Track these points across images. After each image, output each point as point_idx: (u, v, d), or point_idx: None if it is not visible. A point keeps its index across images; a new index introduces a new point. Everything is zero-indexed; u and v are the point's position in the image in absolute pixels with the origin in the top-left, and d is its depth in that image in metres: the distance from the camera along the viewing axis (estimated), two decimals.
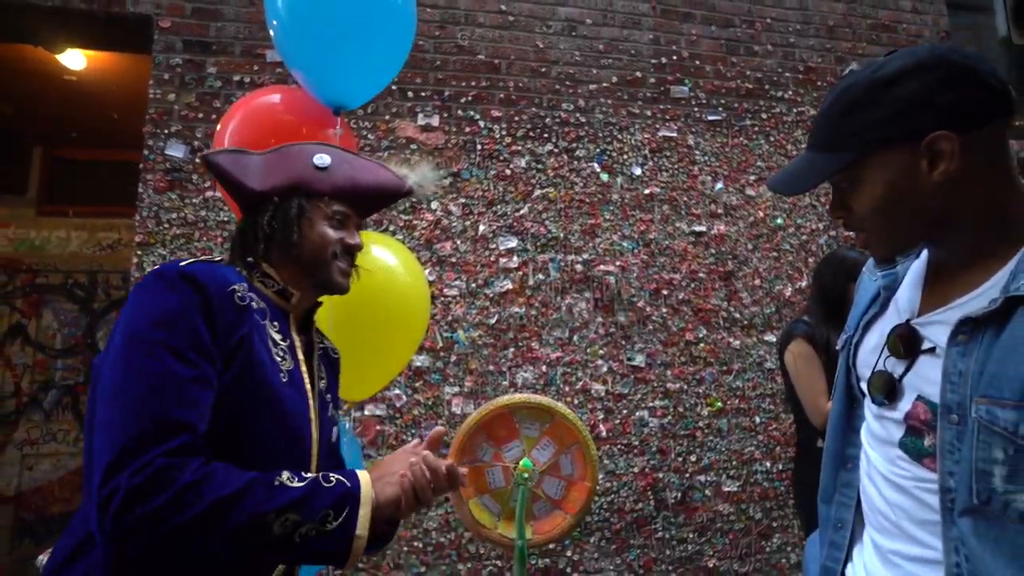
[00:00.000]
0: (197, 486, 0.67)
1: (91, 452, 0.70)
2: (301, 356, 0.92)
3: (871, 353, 0.81)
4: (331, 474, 0.77)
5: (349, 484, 0.76)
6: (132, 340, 0.72)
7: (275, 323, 0.88)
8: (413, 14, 1.30)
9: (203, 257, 0.89)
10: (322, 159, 0.95)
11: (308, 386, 0.90)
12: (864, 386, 0.81)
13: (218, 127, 1.27)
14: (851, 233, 2.71)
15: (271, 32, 1.28)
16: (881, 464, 0.78)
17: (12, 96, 3.44)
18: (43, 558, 1.99)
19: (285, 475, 0.74)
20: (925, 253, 0.80)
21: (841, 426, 0.90)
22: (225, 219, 2.37)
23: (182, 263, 0.79)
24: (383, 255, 1.35)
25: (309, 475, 0.76)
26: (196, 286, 0.76)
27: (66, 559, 0.74)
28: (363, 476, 0.79)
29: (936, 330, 0.72)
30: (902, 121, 0.68)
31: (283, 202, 0.92)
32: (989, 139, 0.68)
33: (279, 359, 0.85)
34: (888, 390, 0.76)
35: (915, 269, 0.81)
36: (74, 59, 3.00)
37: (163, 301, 0.75)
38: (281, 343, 0.87)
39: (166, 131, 2.40)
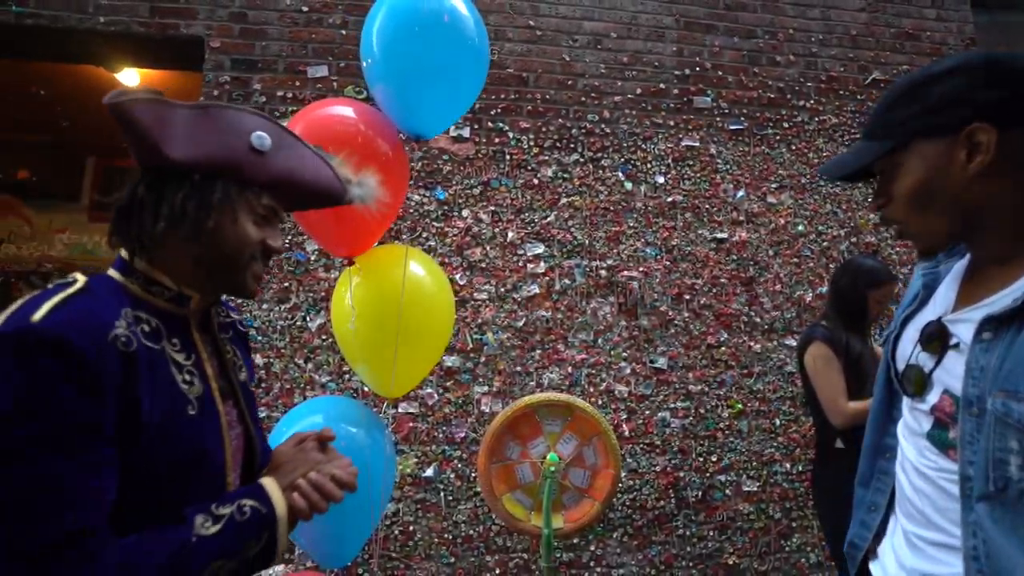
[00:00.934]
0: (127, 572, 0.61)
1: None
2: (210, 369, 0.80)
3: (908, 347, 0.85)
4: (246, 501, 0.72)
5: (265, 510, 0.72)
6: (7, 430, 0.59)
7: (174, 340, 0.75)
8: (487, 55, 1.44)
9: (63, 292, 0.66)
10: (261, 139, 0.78)
11: (220, 407, 0.79)
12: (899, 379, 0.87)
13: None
14: (872, 240, 2.73)
15: (363, 67, 1.40)
16: (912, 455, 0.82)
17: (68, 111, 3.68)
18: None
19: (199, 520, 0.68)
20: (969, 254, 0.84)
21: (881, 418, 0.95)
22: None
23: (35, 316, 0.61)
24: (416, 269, 1.46)
25: (223, 511, 0.70)
26: (59, 349, 0.60)
27: None
28: (275, 496, 0.74)
29: (963, 327, 0.75)
30: (943, 113, 0.72)
31: (205, 181, 0.75)
32: None
33: (185, 387, 0.74)
34: (919, 383, 0.80)
35: (956, 269, 0.85)
36: (129, 77, 3.20)
37: (19, 384, 0.59)
38: (185, 363, 0.75)
39: None
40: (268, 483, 0.76)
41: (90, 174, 4.33)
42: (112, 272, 0.76)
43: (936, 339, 0.79)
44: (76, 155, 4.29)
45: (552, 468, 1.66)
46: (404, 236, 2.60)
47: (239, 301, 2.44)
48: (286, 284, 2.49)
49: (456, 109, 1.47)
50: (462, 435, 2.50)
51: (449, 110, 1.45)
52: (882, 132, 0.79)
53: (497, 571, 2.44)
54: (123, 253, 0.77)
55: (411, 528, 2.42)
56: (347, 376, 2.47)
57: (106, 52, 2.74)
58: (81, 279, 0.70)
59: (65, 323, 0.62)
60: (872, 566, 0.89)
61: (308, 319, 2.48)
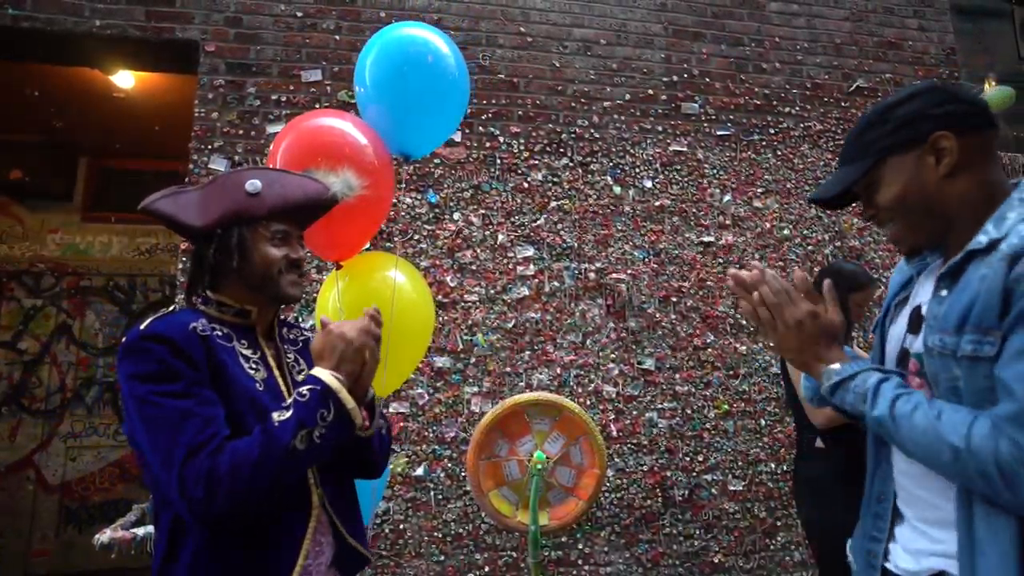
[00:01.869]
0: (236, 466, 0.84)
1: (156, 479, 0.88)
2: (273, 364, 1.03)
3: (900, 332, 0.94)
4: (302, 388, 0.91)
5: (319, 387, 0.91)
6: (142, 402, 0.87)
7: (243, 341, 1.00)
8: (467, 88, 1.63)
9: (159, 313, 0.97)
10: (253, 185, 1.01)
11: (284, 388, 1.01)
12: (892, 364, 0.94)
13: (277, 131, 1.48)
14: (856, 244, 2.79)
15: (356, 92, 1.59)
16: None
17: (62, 111, 3.70)
18: (101, 537, 2.16)
19: (274, 415, 0.89)
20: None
21: None
22: None
23: (142, 328, 0.91)
24: (397, 275, 1.56)
25: (288, 401, 0.92)
26: (159, 339, 0.89)
27: (166, 557, 0.90)
28: (321, 372, 0.93)
29: (927, 296, 0.87)
30: (906, 130, 0.85)
31: (224, 233, 1.00)
32: (981, 143, 0.84)
33: (252, 371, 0.98)
34: (903, 363, 0.90)
35: (939, 260, 0.93)
36: (124, 79, 3.23)
37: (144, 366, 0.88)
38: (252, 357, 1.00)
39: (209, 146, 2.60)
40: (314, 371, 0.95)
41: (83, 175, 4.33)
42: (194, 305, 1.05)
43: (916, 321, 0.89)
44: (69, 156, 4.30)
45: (539, 466, 1.71)
46: (396, 238, 2.64)
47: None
48: None
49: (440, 134, 1.66)
50: (452, 435, 2.54)
51: (433, 135, 1.64)
52: (857, 155, 0.90)
53: (486, 569, 2.47)
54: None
55: (401, 526, 2.45)
56: None
57: (102, 55, 2.76)
58: (173, 307, 0.99)
59: (159, 326, 0.92)
60: (888, 565, 0.92)
61: (301, 320, 2.51)
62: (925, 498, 0.85)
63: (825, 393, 0.87)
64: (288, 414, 0.88)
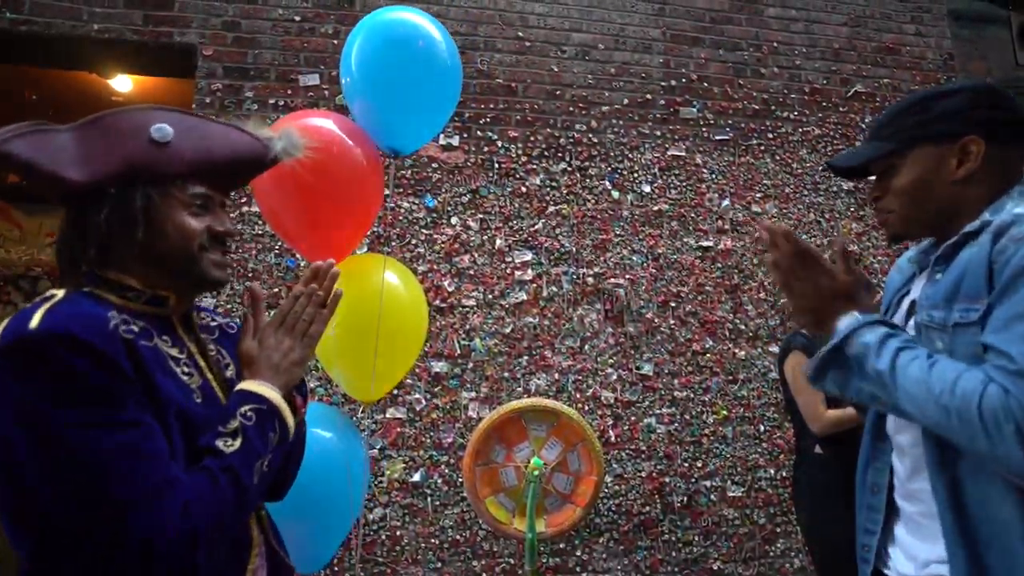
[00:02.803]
0: (198, 525, 0.66)
1: (16, 535, 0.64)
2: (203, 362, 0.82)
3: (899, 324, 0.93)
4: (244, 408, 0.75)
5: (264, 405, 0.77)
6: (56, 437, 0.61)
7: (164, 338, 0.76)
8: (459, 75, 1.51)
9: (46, 303, 0.68)
10: (162, 131, 0.76)
11: (220, 395, 0.81)
12: None
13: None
14: (855, 248, 2.79)
15: (342, 85, 1.47)
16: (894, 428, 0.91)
17: (60, 115, 3.68)
18: None
19: (220, 444, 0.72)
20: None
21: None
22: (260, 232, 2.55)
23: (31, 323, 0.64)
24: (390, 277, 1.52)
25: (232, 425, 0.73)
26: (73, 344, 0.63)
27: None
28: (256, 386, 0.78)
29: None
30: (942, 124, 0.86)
31: (122, 193, 0.74)
32: (1006, 155, 0.85)
33: (186, 378, 0.76)
34: None
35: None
36: (122, 83, 3.22)
37: (42, 385, 0.62)
38: (180, 357, 0.78)
39: None
40: (249, 385, 0.79)
41: None
42: (85, 289, 0.75)
43: (911, 311, 0.91)
44: None
45: (536, 472, 1.69)
46: (394, 243, 2.63)
47: (227, 306, 2.46)
48: (275, 290, 2.50)
49: (431, 127, 1.54)
50: (449, 440, 2.52)
51: (424, 127, 1.52)
52: (889, 134, 0.91)
53: None
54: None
55: (398, 533, 2.43)
56: (335, 381, 2.49)
57: (99, 59, 2.76)
58: (60, 292, 0.72)
59: (63, 322, 0.64)
60: (888, 571, 0.91)
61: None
62: (918, 488, 0.85)
63: (827, 353, 0.84)
64: (238, 443, 0.72)
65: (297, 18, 2.75)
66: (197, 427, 0.73)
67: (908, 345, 0.79)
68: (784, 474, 2.77)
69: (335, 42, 2.76)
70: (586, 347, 2.71)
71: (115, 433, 0.63)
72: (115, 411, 0.64)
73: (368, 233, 2.51)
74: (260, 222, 2.55)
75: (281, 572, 0.88)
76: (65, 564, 0.63)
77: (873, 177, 0.96)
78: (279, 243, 2.55)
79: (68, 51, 2.67)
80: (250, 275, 2.50)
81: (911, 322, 0.89)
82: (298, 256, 2.55)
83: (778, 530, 2.73)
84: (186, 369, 0.77)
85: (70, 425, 0.62)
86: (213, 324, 0.92)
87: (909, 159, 0.88)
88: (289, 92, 2.69)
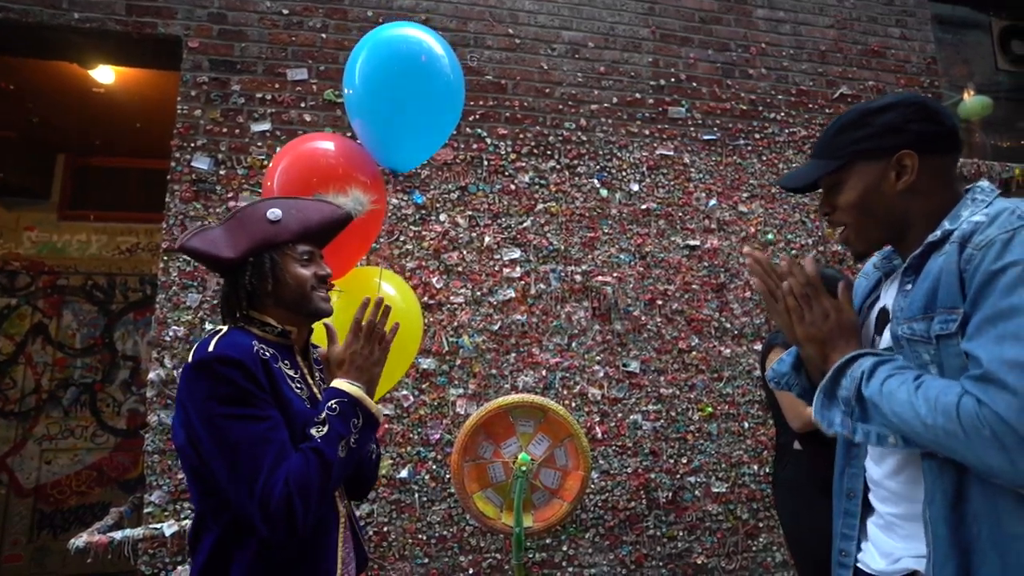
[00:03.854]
0: (305, 488, 0.92)
1: (205, 495, 0.97)
2: (311, 381, 1.12)
3: (869, 333, 0.97)
4: (330, 402, 1.02)
5: (346, 398, 1.03)
6: (218, 426, 0.92)
7: (286, 361, 1.07)
8: (462, 91, 1.54)
9: (219, 334, 1.01)
10: (274, 213, 1.10)
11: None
12: None
13: (270, 163, 1.50)
14: (839, 249, 2.84)
15: (344, 95, 1.49)
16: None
17: (39, 106, 3.62)
18: (76, 541, 2.13)
19: (313, 431, 0.98)
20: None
21: None
22: None
23: (210, 348, 0.96)
24: (387, 287, 1.61)
25: (321, 417, 1.00)
26: (231, 362, 0.94)
27: (212, 566, 0.96)
28: (341, 384, 1.05)
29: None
30: (877, 140, 0.90)
31: (257, 260, 1.07)
32: (941, 165, 0.89)
33: (299, 390, 1.05)
34: None
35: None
36: (104, 74, 3.17)
37: (221, 388, 0.94)
38: (295, 376, 1.07)
39: (192, 144, 2.56)
40: (336, 383, 1.06)
41: (61, 172, 4.24)
42: (238, 326, 1.08)
43: (883, 320, 0.93)
44: (46, 152, 4.21)
45: (523, 468, 1.70)
46: (382, 239, 2.62)
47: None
48: None
49: (431, 147, 1.57)
50: (437, 437, 2.52)
51: (424, 149, 1.56)
52: (829, 153, 0.94)
53: (471, 571, 2.46)
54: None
55: (385, 529, 2.43)
56: None
57: (80, 48, 2.71)
58: (224, 328, 1.05)
59: (227, 348, 0.96)
60: (859, 566, 0.94)
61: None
62: (896, 491, 0.87)
63: (825, 384, 0.88)
64: (325, 429, 0.98)
65: (285, 11, 2.72)
66: (306, 422, 1.00)
67: (895, 372, 0.81)
68: (767, 470, 2.81)
69: (323, 36, 2.74)
70: (574, 344, 2.72)
71: (251, 425, 0.93)
72: (254, 409, 0.94)
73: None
74: None
75: (359, 553, 1.14)
76: (221, 515, 0.95)
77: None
78: None
79: (47, 40, 2.61)
80: None
81: (886, 332, 0.91)
82: None
83: (761, 525, 2.77)
84: (298, 385, 1.06)
85: (227, 417, 0.92)
86: (316, 357, 1.23)
87: (851, 175, 0.92)
88: (277, 87, 2.66)
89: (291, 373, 1.07)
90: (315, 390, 1.11)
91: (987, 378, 0.71)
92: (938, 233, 0.85)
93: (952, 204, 0.88)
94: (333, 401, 1.01)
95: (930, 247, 0.85)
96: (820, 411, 0.88)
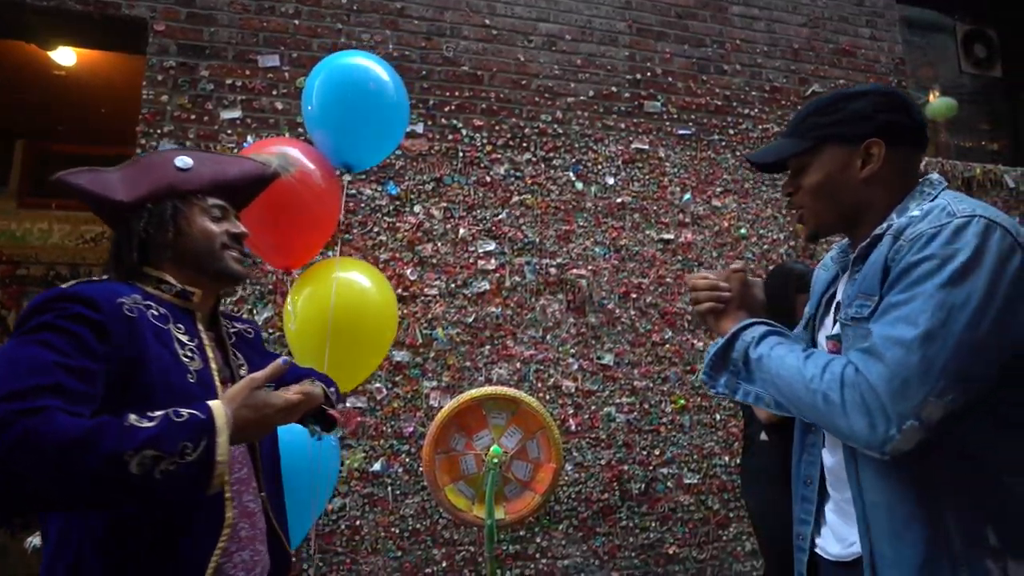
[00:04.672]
0: (38, 431, 0.66)
1: None
2: (211, 353, 0.93)
3: (829, 323, 0.99)
4: (182, 409, 0.76)
5: (203, 416, 0.75)
6: (15, 337, 0.77)
7: (180, 325, 0.90)
8: (406, 112, 1.82)
9: (87, 278, 0.87)
10: (184, 161, 0.98)
11: (218, 382, 0.91)
12: None
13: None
14: (810, 244, 2.86)
15: (304, 112, 1.75)
16: None
17: None
18: (33, 540, 2.07)
19: (132, 417, 0.72)
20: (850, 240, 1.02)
21: None
22: None
23: (65, 286, 0.82)
24: (357, 276, 1.72)
25: (158, 413, 0.74)
26: (83, 301, 0.79)
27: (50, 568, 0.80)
28: (215, 405, 0.78)
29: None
30: (848, 126, 0.91)
31: (157, 206, 0.93)
32: (905, 159, 0.91)
33: (187, 359, 0.88)
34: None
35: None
36: (64, 55, 3.05)
37: (49, 316, 0.77)
38: (189, 343, 0.90)
39: (159, 131, 2.48)
40: (211, 402, 0.80)
41: (20, 158, 4.08)
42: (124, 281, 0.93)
43: (837, 310, 0.96)
44: (4, 137, 4.05)
45: (495, 460, 1.70)
46: (355, 230, 2.58)
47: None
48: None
49: (380, 152, 1.86)
50: (410, 430, 2.51)
51: (374, 153, 1.83)
52: (799, 133, 0.96)
53: (444, 564, 2.46)
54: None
55: (358, 523, 2.41)
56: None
57: (38, 29, 2.60)
58: (105, 277, 0.92)
59: (85, 289, 0.82)
60: (818, 551, 0.97)
61: (255, 312, 2.43)
62: (844, 477, 0.89)
63: (715, 350, 0.93)
64: (148, 424, 0.72)
65: None
66: (178, 397, 0.81)
67: (784, 341, 0.86)
68: (738, 462, 2.86)
69: (296, 23, 2.68)
70: (548, 337, 2.73)
71: (45, 351, 0.74)
72: (64, 342, 0.75)
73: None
74: None
75: (278, 555, 0.97)
76: None
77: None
78: None
79: (2, 19, 2.50)
80: None
81: (836, 322, 0.93)
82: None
83: (731, 515, 2.82)
84: (189, 354, 0.89)
85: (22, 337, 0.76)
86: (232, 330, 1.07)
87: (819, 158, 0.93)
88: (248, 73, 2.59)
89: (183, 339, 0.89)
90: (213, 367, 0.92)
91: (870, 351, 0.76)
92: (884, 225, 0.87)
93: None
94: (187, 411, 0.75)
95: (876, 239, 0.87)
96: (708, 372, 0.93)
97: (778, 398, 0.84)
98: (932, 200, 0.86)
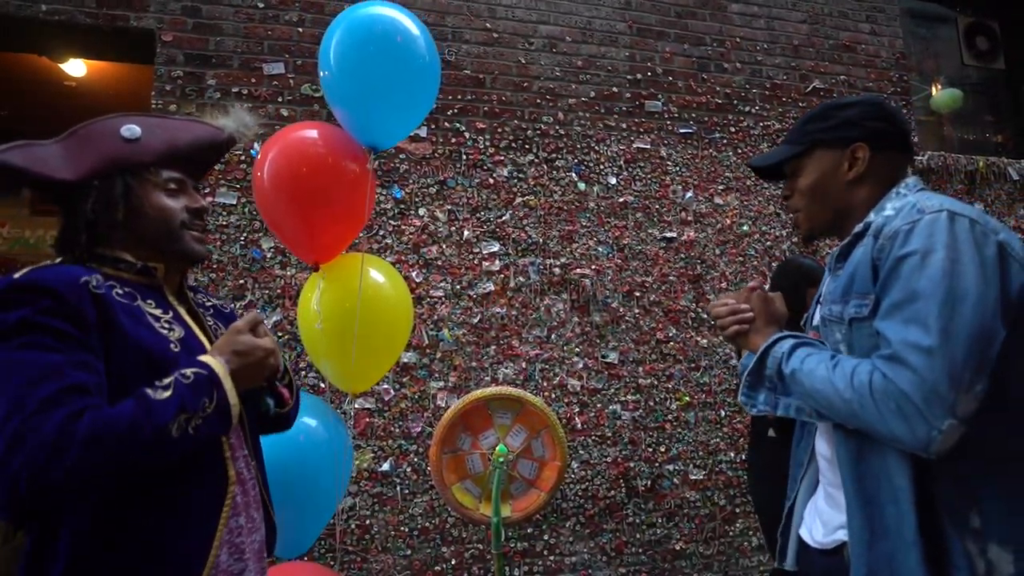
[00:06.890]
0: (95, 433, 0.70)
1: None
2: (190, 321, 0.91)
3: (815, 317, 1.06)
4: (186, 371, 0.80)
5: (205, 372, 0.81)
6: None
7: (149, 301, 0.87)
8: (438, 71, 1.52)
9: (37, 265, 0.81)
10: (130, 130, 0.88)
11: (207, 345, 0.90)
12: None
13: (256, 154, 1.49)
14: (799, 237, 2.85)
15: (321, 77, 1.48)
16: None
17: (8, 99, 3.54)
18: None
19: (148, 391, 0.76)
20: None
21: None
22: (224, 223, 2.51)
23: (16, 276, 0.76)
24: (377, 275, 1.59)
25: (167, 380, 0.78)
26: (39, 290, 0.74)
27: (34, 554, 0.77)
28: (209, 359, 0.83)
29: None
30: (837, 132, 0.98)
31: (105, 183, 0.85)
32: (890, 163, 0.97)
33: (166, 331, 0.85)
34: None
35: None
36: (74, 67, 3.11)
37: (27, 311, 0.73)
38: (163, 316, 0.87)
39: None
40: (204, 357, 0.84)
41: None
42: (82, 262, 0.87)
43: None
44: None
45: (501, 459, 1.73)
46: (361, 234, 2.62)
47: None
48: (241, 281, 2.48)
49: (409, 122, 1.56)
50: (418, 430, 2.54)
51: (403, 123, 1.54)
52: (796, 139, 1.04)
53: (453, 562, 2.49)
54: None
55: (368, 522, 2.45)
56: (304, 372, 2.48)
57: (50, 42, 2.66)
58: (59, 260, 0.85)
59: (41, 274, 0.77)
60: (801, 531, 1.03)
61: (265, 314, 2.48)
62: (836, 462, 0.93)
63: (749, 364, 0.96)
64: (168, 393, 0.76)
65: (261, 4, 2.69)
66: (166, 368, 0.81)
67: (813, 351, 0.90)
68: (743, 457, 2.88)
69: (300, 30, 2.72)
70: (553, 336, 2.76)
71: (47, 353, 0.73)
72: (52, 340, 0.73)
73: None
74: (224, 213, 2.51)
75: (268, 524, 0.97)
76: None
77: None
78: (244, 235, 2.51)
79: (14, 32, 2.56)
80: (215, 266, 2.46)
81: (817, 312, 1.00)
82: (264, 247, 2.52)
83: (737, 511, 2.84)
84: (167, 325, 0.86)
85: (10, 345, 0.72)
86: (208, 304, 1.03)
87: (811, 161, 1.00)
88: (253, 81, 2.64)
89: (156, 313, 0.86)
90: (198, 330, 0.90)
91: (894, 358, 0.79)
92: (862, 225, 0.93)
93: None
94: (190, 370, 0.79)
95: (856, 237, 0.93)
96: (745, 391, 0.96)
97: (818, 408, 0.87)
98: (904, 199, 0.91)
